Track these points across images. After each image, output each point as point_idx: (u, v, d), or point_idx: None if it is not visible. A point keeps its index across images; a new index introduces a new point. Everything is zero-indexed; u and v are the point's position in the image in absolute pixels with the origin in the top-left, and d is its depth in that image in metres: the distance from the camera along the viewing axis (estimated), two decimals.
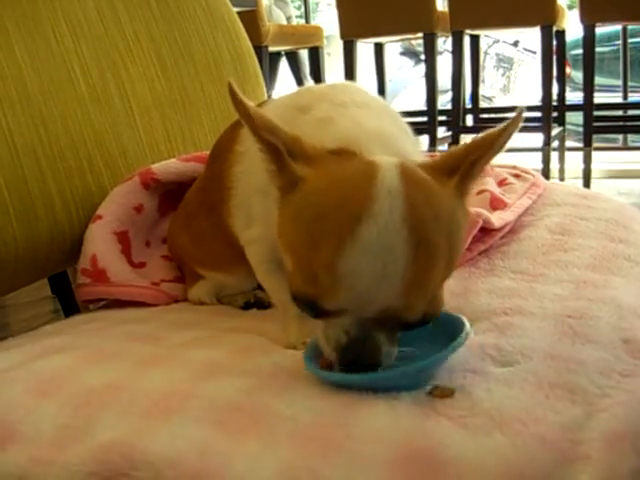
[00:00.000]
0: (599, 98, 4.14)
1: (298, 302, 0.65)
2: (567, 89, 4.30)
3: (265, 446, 0.60)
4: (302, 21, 5.88)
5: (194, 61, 1.35)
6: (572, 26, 4.05)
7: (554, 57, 3.80)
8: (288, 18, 5.29)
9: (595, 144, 3.94)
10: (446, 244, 0.63)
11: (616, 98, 4.84)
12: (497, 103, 6.69)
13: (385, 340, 0.64)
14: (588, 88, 3.81)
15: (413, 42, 6.27)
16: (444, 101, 4.96)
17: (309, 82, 4.77)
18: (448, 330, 0.71)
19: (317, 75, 4.16)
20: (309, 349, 0.70)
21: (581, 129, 3.92)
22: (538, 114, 3.79)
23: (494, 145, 0.67)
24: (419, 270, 0.61)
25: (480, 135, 0.68)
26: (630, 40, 4.77)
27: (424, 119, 3.97)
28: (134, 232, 1.12)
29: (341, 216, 0.61)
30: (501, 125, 0.67)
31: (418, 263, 0.60)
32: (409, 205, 0.61)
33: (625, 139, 4.89)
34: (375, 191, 0.61)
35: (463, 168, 0.67)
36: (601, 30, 4.19)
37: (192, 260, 1.06)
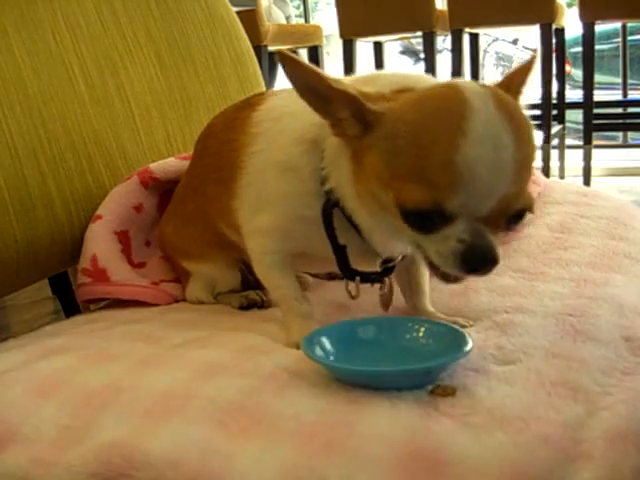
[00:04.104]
0: (599, 96, 4.13)
1: (413, 219, 0.68)
2: (567, 87, 4.29)
3: (267, 446, 0.60)
4: (301, 20, 5.87)
5: (193, 61, 1.35)
6: (571, 24, 4.04)
7: (554, 55, 3.80)
8: (287, 17, 5.29)
9: (595, 142, 3.93)
10: (531, 131, 0.70)
11: (616, 96, 4.82)
12: None
13: (494, 239, 0.68)
14: (588, 86, 3.80)
15: (412, 41, 6.26)
16: None
17: None
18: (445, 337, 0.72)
19: None
20: (307, 341, 0.71)
21: (581, 127, 3.91)
22: (538, 112, 3.79)
23: (528, 72, 0.79)
24: (522, 154, 0.67)
25: (515, 68, 0.80)
26: (630, 38, 4.75)
27: None
28: (134, 232, 1.12)
29: (446, 119, 0.66)
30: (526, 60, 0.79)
31: (520, 148, 0.67)
32: (497, 101, 0.68)
33: (625, 137, 4.89)
34: (466, 95, 0.67)
35: (513, 87, 0.76)
36: (600, 28, 4.18)
37: (177, 253, 1.06)
